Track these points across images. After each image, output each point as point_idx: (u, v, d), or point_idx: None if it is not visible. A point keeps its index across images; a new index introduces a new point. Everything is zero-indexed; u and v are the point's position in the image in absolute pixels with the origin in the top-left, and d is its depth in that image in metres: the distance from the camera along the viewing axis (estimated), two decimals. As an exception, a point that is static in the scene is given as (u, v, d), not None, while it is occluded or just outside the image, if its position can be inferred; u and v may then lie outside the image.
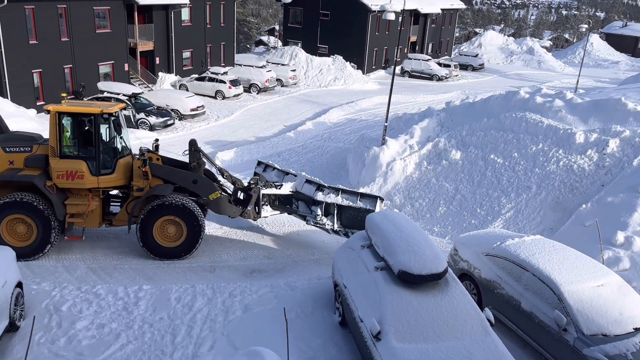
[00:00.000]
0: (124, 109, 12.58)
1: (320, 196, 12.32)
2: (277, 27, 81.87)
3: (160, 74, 35.10)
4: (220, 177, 13.56)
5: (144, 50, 34.08)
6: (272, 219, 14.77)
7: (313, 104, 34.04)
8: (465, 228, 14.88)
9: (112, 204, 12.77)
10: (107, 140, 12.04)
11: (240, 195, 12.97)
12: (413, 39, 55.02)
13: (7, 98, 24.88)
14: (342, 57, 43.48)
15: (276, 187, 12.99)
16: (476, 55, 55.19)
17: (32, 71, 26.43)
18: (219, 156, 20.58)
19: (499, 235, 10.32)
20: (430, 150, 18.10)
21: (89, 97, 26.26)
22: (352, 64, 44.50)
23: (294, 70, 39.73)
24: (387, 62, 51.07)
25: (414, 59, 48.03)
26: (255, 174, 14.29)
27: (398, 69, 46.64)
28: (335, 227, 12.42)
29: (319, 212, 12.33)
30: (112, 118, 11.73)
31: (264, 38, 75.93)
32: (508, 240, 9.62)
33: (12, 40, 24.76)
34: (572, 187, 15.05)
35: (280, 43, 59.26)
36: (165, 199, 11.76)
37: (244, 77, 35.85)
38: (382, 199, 12.18)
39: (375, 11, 44.76)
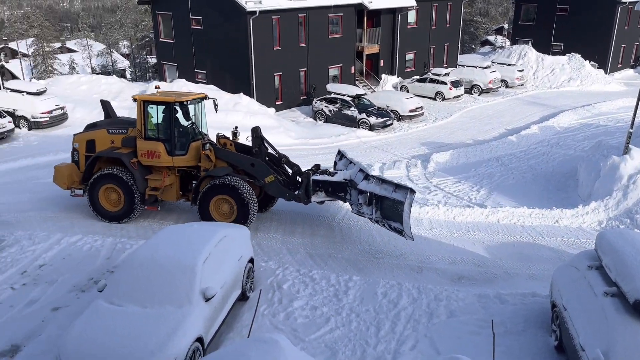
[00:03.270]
0: (203, 99, 13.88)
1: (363, 185, 12.24)
2: (505, 26, 77.91)
3: (383, 75, 36.38)
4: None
5: (369, 53, 35.73)
6: (484, 226, 14.16)
7: (541, 107, 31.41)
8: None
9: (194, 182, 14.13)
10: (182, 125, 13.52)
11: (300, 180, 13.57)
12: (675, 32, 46.70)
13: (253, 97, 28.65)
14: (579, 56, 39.19)
15: (330, 174, 13.25)
16: None
17: (274, 74, 29.95)
18: (433, 158, 20.38)
19: None
20: (688, 163, 15.14)
21: (319, 98, 28.63)
22: (592, 62, 39.77)
23: (521, 71, 37.29)
24: (637, 60, 44.37)
25: (674, 56, 40.80)
26: (335, 162, 14.77)
27: (651, 68, 40.12)
28: (374, 217, 12.18)
29: (361, 201, 12.32)
30: (183, 107, 13.04)
31: (491, 38, 72.98)
32: None
33: (260, 46, 28.44)
34: None
35: (507, 42, 56.21)
36: (218, 180, 12.84)
37: (466, 78, 34.96)
38: (413, 191, 11.31)
39: (625, 2, 39.25)
